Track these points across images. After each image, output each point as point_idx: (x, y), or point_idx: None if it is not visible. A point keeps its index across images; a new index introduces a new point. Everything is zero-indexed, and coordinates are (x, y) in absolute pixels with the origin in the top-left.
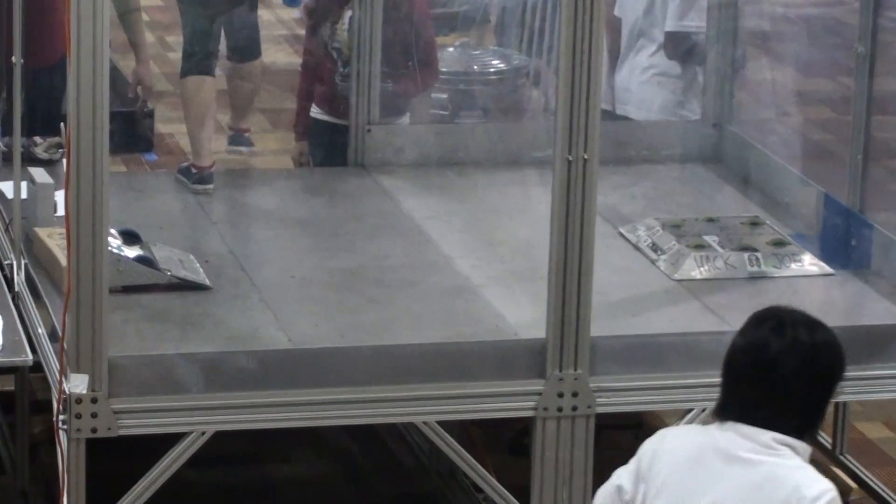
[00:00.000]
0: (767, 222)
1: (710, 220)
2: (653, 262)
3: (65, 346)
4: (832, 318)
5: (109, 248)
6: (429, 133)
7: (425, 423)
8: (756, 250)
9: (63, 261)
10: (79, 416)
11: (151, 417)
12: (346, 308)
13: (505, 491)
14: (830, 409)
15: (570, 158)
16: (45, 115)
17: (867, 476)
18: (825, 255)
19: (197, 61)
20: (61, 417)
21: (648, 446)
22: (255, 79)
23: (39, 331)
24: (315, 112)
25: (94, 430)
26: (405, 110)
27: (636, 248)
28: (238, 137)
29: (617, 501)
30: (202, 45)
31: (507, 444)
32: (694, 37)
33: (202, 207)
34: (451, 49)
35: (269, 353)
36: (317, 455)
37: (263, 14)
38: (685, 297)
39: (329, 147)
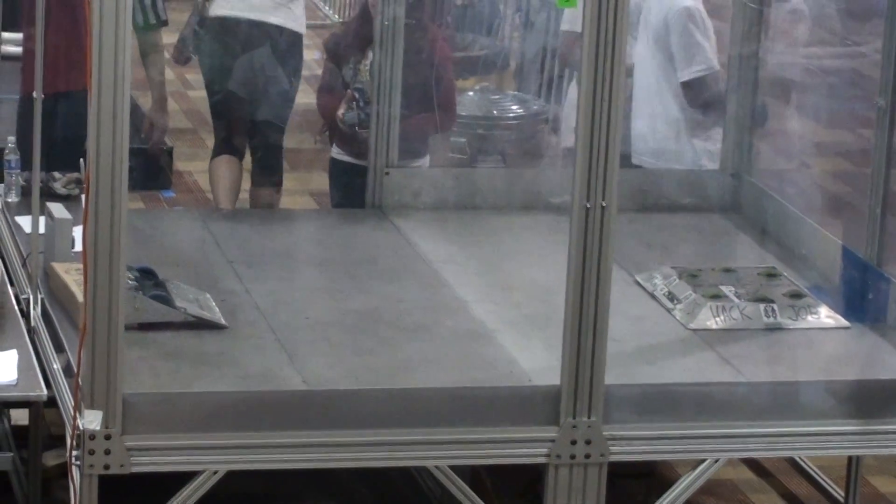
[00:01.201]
0: (784, 274)
1: (727, 270)
2: (668, 310)
3: (79, 381)
4: (847, 372)
5: (126, 285)
6: (447, 177)
7: (437, 467)
8: (772, 301)
9: (79, 296)
10: (92, 453)
11: (164, 455)
12: (361, 350)
13: None
14: (843, 462)
15: (588, 205)
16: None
17: None
18: (842, 308)
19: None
20: (74, 453)
21: None
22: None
23: (54, 366)
24: (335, 153)
25: (106, 467)
26: (425, 153)
27: (652, 296)
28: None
29: None
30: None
31: (519, 490)
32: (710, 81)
33: (219, 246)
34: (470, 93)
35: (283, 394)
36: (328, 497)
37: None
38: (700, 346)
39: (348, 188)
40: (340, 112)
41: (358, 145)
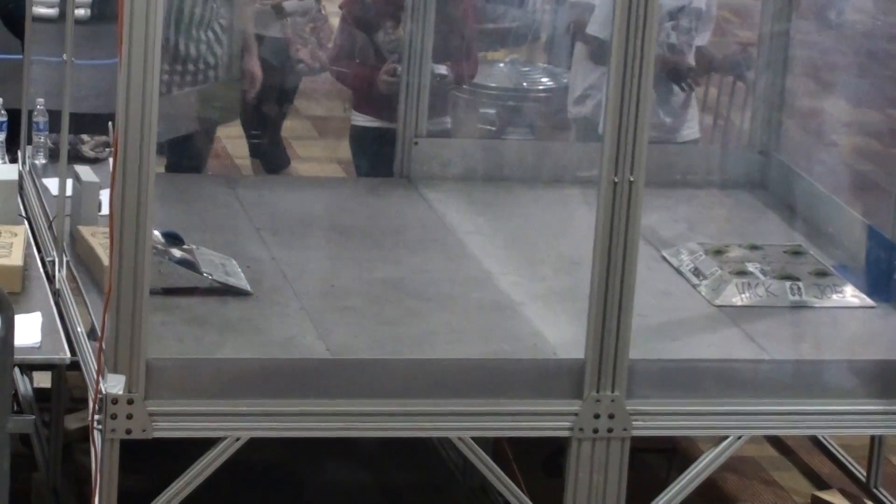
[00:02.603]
0: (810, 252)
1: (754, 247)
2: (694, 286)
3: (103, 345)
4: (871, 351)
5: (152, 250)
6: (475, 148)
7: (460, 438)
8: (798, 279)
9: (105, 260)
10: (114, 417)
11: (186, 421)
12: (386, 320)
13: None
14: (866, 441)
15: (616, 180)
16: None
17: None
18: (867, 287)
19: None
20: (96, 417)
21: None
22: None
23: (78, 329)
24: (361, 120)
25: (128, 432)
26: (446, 111)
27: (678, 272)
28: None
29: None
30: None
31: (541, 463)
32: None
33: (246, 212)
34: (500, 65)
35: (307, 362)
36: (350, 466)
37: None
38: (725, 323)
39: (378, 155)
40: (387, 78)
41: (390, 109)
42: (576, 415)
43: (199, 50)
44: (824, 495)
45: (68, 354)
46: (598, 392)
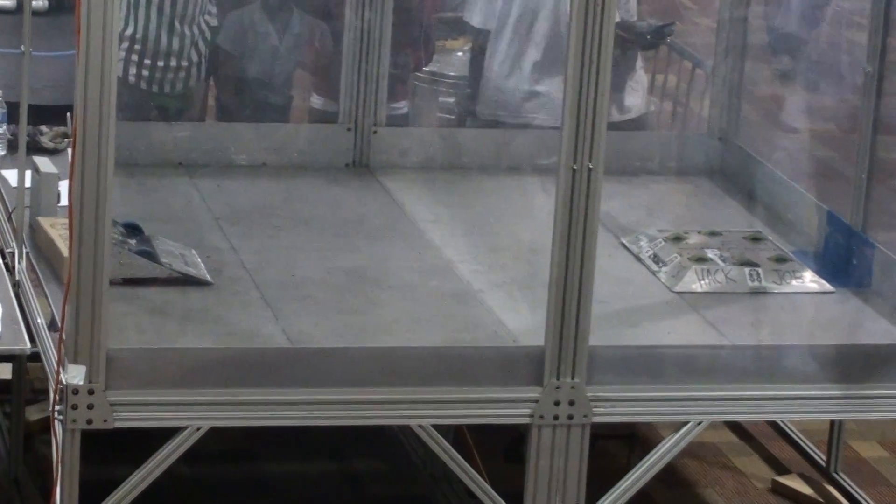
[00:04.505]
0: (769, 238)
1: (713, 233)
2: (653, 273)
3: (63, 336)
4: (831, 336)
5: (111, 240)
6: (434, 137)
7: (421, 426)
8: (757, 265)
9: (65, 251)
10: (75, 407)
11: (148, 411)
12: (346, 309)
13: (498, 497)
14: (825, 426)
15: (575, 167)
16: None
17: (860, 495)
18: (826, 272)
19: None
20: (57, 408)
21: None
22: None
23: (39, 320)
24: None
25: (89, 422)
26: (405, 95)
27: (637, 258)
28: None
29: None
30: None
31: (502, 450)
32: None
33: (206, 202)
34: (459, 53)
35: (268, 351)
36: (311, 454)
37: None
38: (685, 309)
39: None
40: None
41: None
42: (536, 402)
43: (183, 45)
44: (785, 480)
45: (28, 345)
46: (558, 379)
